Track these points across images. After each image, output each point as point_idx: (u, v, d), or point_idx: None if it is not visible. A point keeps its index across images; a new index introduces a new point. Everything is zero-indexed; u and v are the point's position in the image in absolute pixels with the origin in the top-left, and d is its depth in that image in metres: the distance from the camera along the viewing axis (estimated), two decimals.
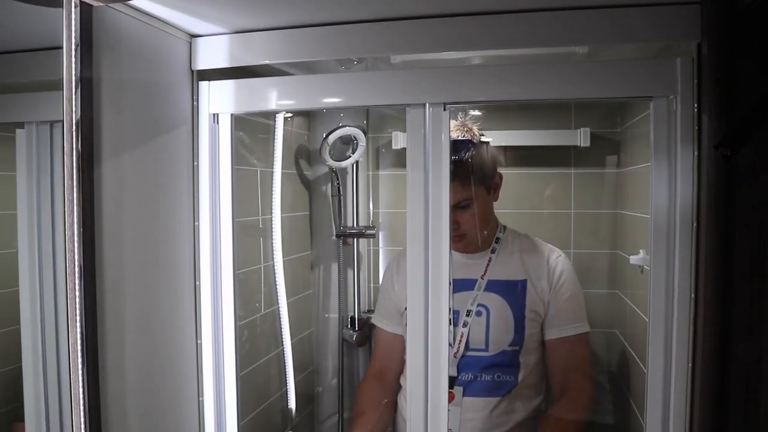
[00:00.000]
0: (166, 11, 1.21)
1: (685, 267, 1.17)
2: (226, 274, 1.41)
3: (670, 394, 1.19)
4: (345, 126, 2.06)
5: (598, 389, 1.93)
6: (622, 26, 1.16)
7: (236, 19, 1.27)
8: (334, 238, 2.21)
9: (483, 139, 1.69)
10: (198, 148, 1.38)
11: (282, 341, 1.94)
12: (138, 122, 1.23)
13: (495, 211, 1.76)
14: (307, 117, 2.24)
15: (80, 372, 1.04)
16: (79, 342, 1.03)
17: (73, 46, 1.02)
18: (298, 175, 2.18)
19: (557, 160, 2.16)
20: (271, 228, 1.89)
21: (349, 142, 2.12)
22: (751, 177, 1.05)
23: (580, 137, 2.06)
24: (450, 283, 1.31)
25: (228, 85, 1.37)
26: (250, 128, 1.82)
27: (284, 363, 1.95)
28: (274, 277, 1.91)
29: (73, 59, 1.02)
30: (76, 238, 1.02)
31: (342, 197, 2.18)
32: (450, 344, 1.61)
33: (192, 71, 1.37)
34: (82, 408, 1.04)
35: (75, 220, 1.02)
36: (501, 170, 1.74)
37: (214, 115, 1.38)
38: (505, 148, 2.12)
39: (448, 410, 1.31)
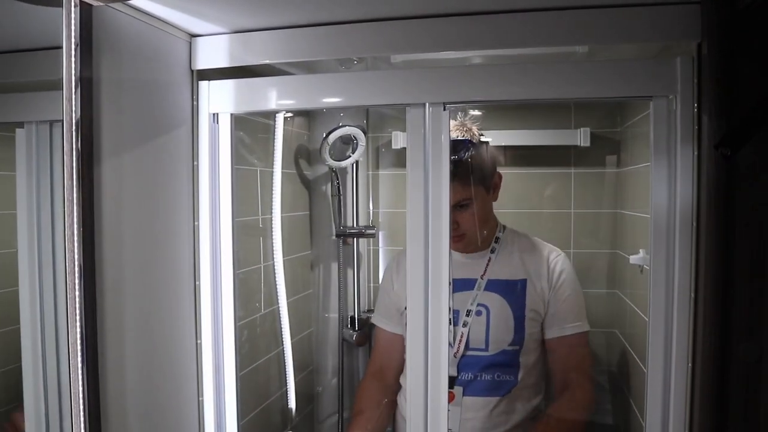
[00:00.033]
0: (166, 11, 1.21)
1: (685, 267, 1.17)
2: (225, 273, 1.41)
3: (670, 394, 1.19)
4: (345, 126, 2.06)
5: (598, 389, 1.93)
6: (622, 26, 1.16)
7: (236, 18, 1.27)
8: (333, 237, 2.21)
9: (482, 139, 1.69)
10: (198, 148, 1.38)
11: (282, 341, 1.94)
12: (138, 122, 1.23)
13: (495, 211, 1.76)
14: (307, 117, 2.24)
15: (80, 372, 1.03)
16: (78, 342, 1.03)
17: (73, 46, 1.02)
18: (298, 174, 2.18)
19: (557, 159, 2.16)
20: (271, 228, 1.89)
21: (349, 141, 2.12)
22: (751, 177, 1.05)
23: (580, 137, 2.06)
24: (450, 283, 1.31)
25: (228, 84, 1.37)
26: (250, 128, 1.82)
27: (284, 363, 1.95)
28: (274, 276, 1.91)
29: (73, 59, 1.02)
30: (75, 238, 1.02)
31: (342, 197, 2.18)
32: (450, 344, 1.61)
33: (192, 71, 1.37)
34: (81, 408, 1.04)
35: (75, 219, 1.02)
36: (501, 170, 1.74)
37: (213, 114, 1.38)
38: (505, 148, 2.12)
39: (448, 410, 1.31)
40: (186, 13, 1.23)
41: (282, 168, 1.89)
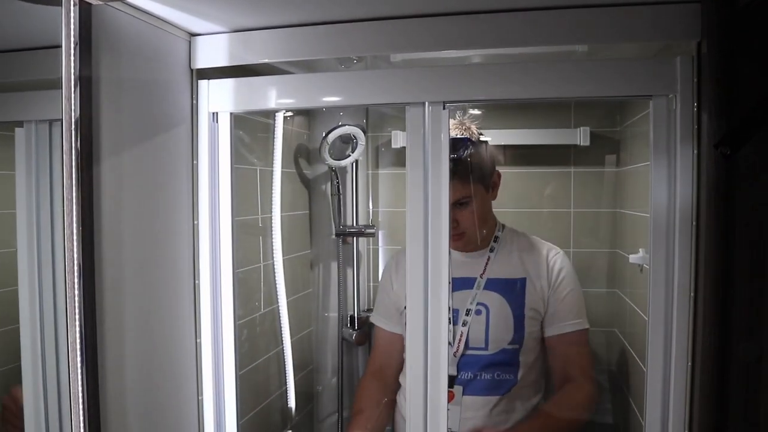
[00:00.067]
0: (166, 10, 1.21)
1: (685, 266, 1.17)
2: (225, 272, 1.41)
3: (670, 393, 1.19)
4: (345, 125, 2.06)
5: (598, 388, 1.93)
6: (622, 25, 1.16)
7: (236, 17, 1.27)
8: (333, 237, 2.21)
9: (482, 138, 1.69)
10: (197, 147, 1.38)
11: (282, 340, 1.94)
12: (137, 121, 1.23)
13: (495, 210, 1.76)
14: (307, 116, 2.24)
15: (79, 371, 1.03)
16: (78, 341, 1.03)
17: (72, 45, 1.02)
18: (297, 173, 2.18)
19: (557, 159, 2.16)
20: (271, 227, 1.89)
21: (348, 141, 2.12)
22: (751, 176, 1.05)
23: (580, 136, 2.06)
24: (449, 282, 1.31)
25: (227, 83, 1.37)
26: (250, 127, 1.82)
27: (284, 362, 1.95)
28: (274, 275, 1.91)
29: (72, 58, 1.02)
30: (75, 237, 1.02)
31: (341, 196, 2.18)
32: (449, 343, 1.61)
33: (191, 70, 1.37)
34: (81, 407, 1.04)
35: (74, 218, 1.02)
36: (500, 169, 1.74)
37: (213, 113, 1.38)
38: (505, 147, 2.12)
39: (448, 409, 1.31)
40: (185, 12, 1.22)
41: (282, 167, 1.89)
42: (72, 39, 1.02)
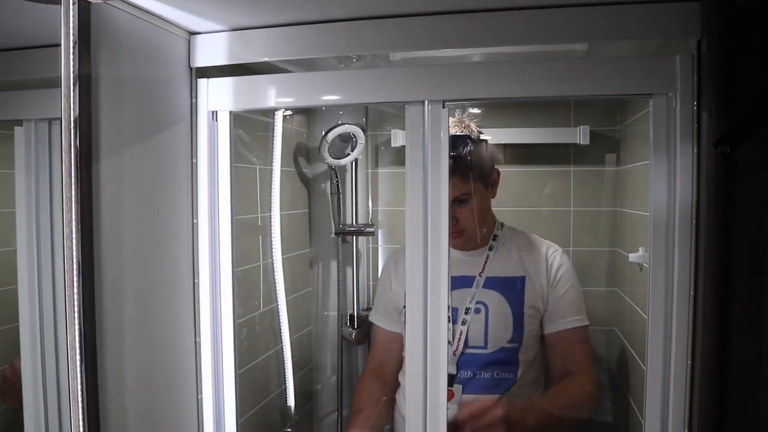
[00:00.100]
0: (165, 8, 1.21)
1: (685, 264, 1.17)
2: (224, 271, 1.41)
3: (670, 391, 1.19)
4: (344, 124, 2.06)
5: (599, 385, 1.93)
6: (621, 23, 1.16)
7: (235, 16, 1.27)
8: (333, 235, 2.21)
9: (481, 137, 1.69)
10: (197, 146, 1.38)
11: (281, 339, 1.94)
12: (137, 119, 1.23)
13: (495, 209, 1.77)
14: (307, 115, 2.24)
15: (79, 370, 1.03)
16: (77, 340, 1.03)
17: (72, 43, 1.02)
18: (297, 172, 2.18)
19: (556, 157, 2.16)
20: (270, 225, 1.89)
21: (348, 139, 2.12)
22: (750, 174, 1.05)
23: (580, 135, 2.06)
24: (448, 281, 1.31)
25: (227, 82, 1.37)
26: (249, 126, 1.82)
27: (283, 361, 1.95)
28: (273, 274, 1.91)
29: (72, 56, 1.02)
30: (74, 236, 1.02)
31: (341, 195, 2.18)
32: (449, 342, 1.61)
33: (191, 68, 1.37)
34: (80, 406, 1.04)
35: (73, 217, 1.02)
36: (500, 168, 1.74)
37: (212, 112, 1.38)
38: (505, 146, 2.12)
39: (447, 408, 1.31)
40: (185, 11, 1.22)
41: (281, 166, 1.89)
42: (71, 37, 1.02)
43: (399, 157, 2.24)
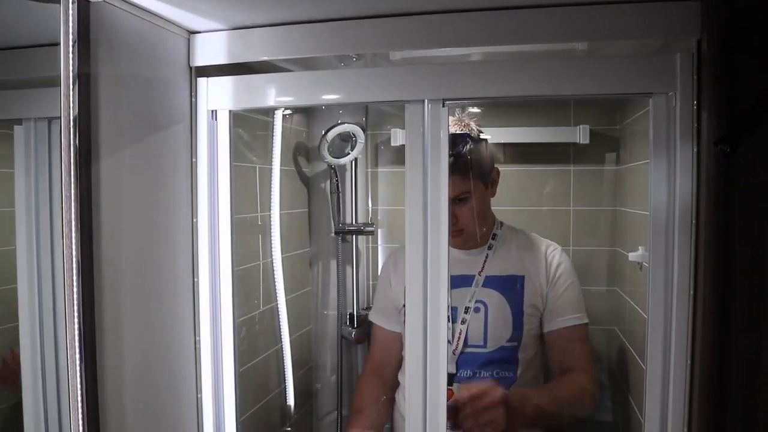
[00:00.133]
0: (164, 7, 1.20)
1: (684, 264, 1.17)
2: (224, 270, 1.40)
3: (669, 390, 1.19)
4: (344, 123, 2.06)
5: (599, 384, 1.93)
6: (621, 22, 1.16)
7: (234, 15, 1.27)
8: (332, 235, 2.21)
9: (481, 136, 1.69)
10: (196, 145, 1.38)
11: (281, 338, 1.94)
12: (136, 118, 1.22)
13: (494, 208, 1.77)
14: (306, 114, 2.24)
15: (78, 369, 1.03)
16: (76, 339, 1.03)
17: (71, 42, 1.02)
18: (296, 172, 2.18)
19: (556, 157, 2.16)
20: (270, 225, 1.89)
21: (348, 139, 2.12)
22: (750, 173, 1.05)
23: (580, 134, 2.06)
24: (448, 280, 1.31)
25: (226, 81, 1.37)
26: (249, 125, 1.81)
27: (283, 360, 1.95)
28: (273, 273, 1.91)
29: (71, 55, 1.02)
30: (73, 235, 1.02)
31: (341, 194, 2.18)
32: (448, 341, 1.61)
33: (190, 67, 1.37)
34: (80, 405, 1.04)
35: (72, 216, 1.02)
36: (500, 167, 1.74)
37: (212, 111, 1.38)
38: (504, 145, 2.13)
39: (447, 405, 1.31)
40: (184, 10, 1.22)
41: (281, 165, 1.89)
42: (70, 36, 1.02)
43: (399, 156, 2.24)
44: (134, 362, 1.21)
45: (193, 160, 1.38)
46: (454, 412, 1.41)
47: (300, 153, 2.19)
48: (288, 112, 2.00)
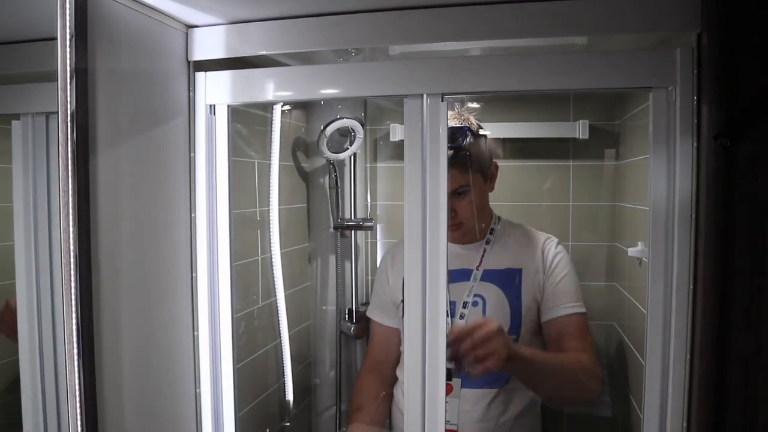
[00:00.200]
0: (162, 1, 1.20)
1: (684, 259, 1.17)
2: (222, 265, 1.40)
3: (668, 386, 1.19)
4: (343, 118, 2.06)
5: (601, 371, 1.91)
6: (621, 16, 1.16)
7: (232, 9, 1.26)
8: (331, 230, 2.21)
9: (481, 132, 1.69)
10: (195, 140, 1.38)
11: (279, 333, 1.94)
12: (134, 113, 1.22)
13: (493, 203, 1.77)
14: (305, 109, 2.23)
15: (76, 364, 1.03)
16: (75, 334, 1.03)
17: (68, 37, 1.01)
18: (295, 167, 2.18)
19: (556, 152, 2.16)
20: (269, 220, 1.89)
21: (346, 134, 2.11)
22: (750, 168, 1.05)
23: (579, 129, 2.06)
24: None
25: (225, 76, 1.36)
26: (248, 120, 1.81)
27: (282, 355, 1.95)
28: (272, 269, 1.91)
29: (68, 50, 1.02)
30: (71, 229, 1.02)
31: (340, 189, 2.18)
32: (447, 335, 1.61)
33: (188, 62, 1.36)
34: (78, 399, 1.04)
35: (70, 211, 1.02)
36: (499, 162, 1.74)
37: (210, 106, 1.38)
38: (504, 140, 2.12)
39: (446, 402, 1.31)
40: (182, 4, 1.22)
41: (279, 160, 1.89)
42: (68, 31, 1.01)
43: (398, 151, 2.24)
44: (132, 357, 1.21)
45: (192, 155, 1.37)
46: (454, 348, 1.39)
47: (299, 148, 2.19)
48: (287, 107, 1.99)
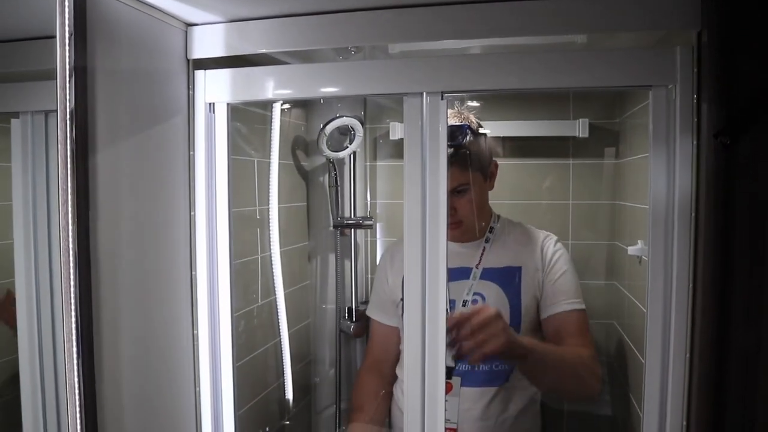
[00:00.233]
0: None
1: (684, 257, 1.17)
2: (222, 264, 1.40)
3: (668, 384, 1.19)
4: (342, 116, 2.06)
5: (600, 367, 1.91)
6: (620, 14, 1.15)
7: (232, 7, 1.26)
8: (331, 228, 2.21)
9: (480, 130, 1.69)
10: (194, 138, 1.37)
11: (279, 332, 1.94)
12: (133, 111, 1.22)
13: (493, 202, 1.76)
14: (305, 107, 2.23)
15: (75, 362, 1.03)
16: (74, 332, 1.03)
17: (67, 35, 1.01)
18: (295, 165, 2.18)
19: (556, 150, 2.16)
20: (268, 218, 1.89)
21: (346, 132, 2.11)
22: (750, 165, 1.05)
23: (579, 128, 2.06)
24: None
25: (224, 74, 1.36)
26: (247, 119, 1.81)
27: (281, 353, 1.95)
28: (271, 267, 1.91)
29: (67, 48, 1.01)
30: (70, 228, 1.02)
31: (339, 188, 2.18)
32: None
33: (188, 60, 1.36)
34: (77, 398, 1.04)
35: (69, 209, 1.02)
36: (499, 161, 1.74)
37: (210, 104, 1.38)
38: (503, 139, 2.12)
39: (446, 401, 1.31)
40: (182, 2, 1.21)
41: (279, 159, 1.89)
42: (66, 29, 1.01)
43: (398, 149, 2.24)
44: (132, 356, 1.21)
45: (191, 153, 1.37)
46: (454, 334, 1.38)
47: (298, 147, 2.19)
48: (286, 105, 1.99)
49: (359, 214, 2.22)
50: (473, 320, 1.38)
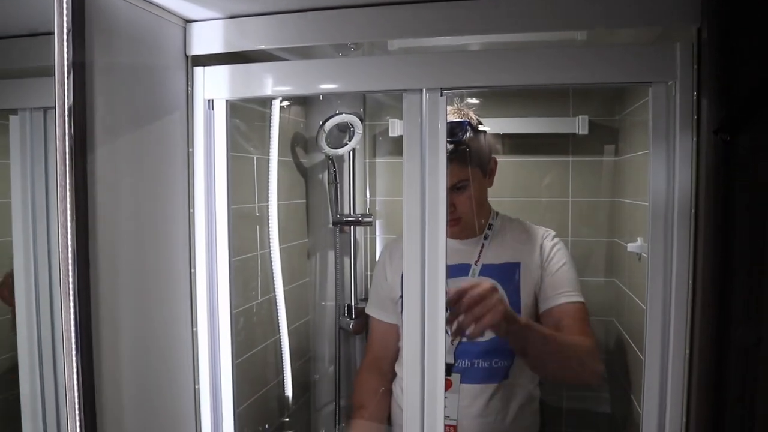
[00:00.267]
0: None
1: (683, 254, 1.16)
2: (221, 261, 1.40)
3: (668, 381, 1.19)
4: (342, 113, 2.06)
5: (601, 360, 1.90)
6: (620, 10, 1.15)
7: (231, 3, 1.26)
8: (330, 226, 2.21)
9: (480, 127, 1.69)
10: (193, 135, 1.37)
11: (278, 329, 1.94)
12: (132, 108, 1.22)
13: (492, 199, 1.76)
14: (304, 104, 2.23)
15: (74, 360, 1.03)
16: (73, 330, 1.03)
17: (65, 31, 1.01)
18: (294, 162, 2.17)
19: (555, 147, 2.16)
20: (268, 215, 1.89)
21: (345, 129, 2.11)
22: (750, 162, 1.04)
23: (579, 125, 2.06)
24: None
25: (223, 70, 1.36)
26: (246, 116, 1.81)
27: (281, 351, 1.95)
28: (271, 264, 1.90)
29: (65, 44, 1.01)
30: (69, 224, 1.02)
31: (339, 185, 2.18)
32: (446, 331, 1.60)
33: (186, 56, 1.36)
34: (76, 396, 1.04)
35: (68, 206, 1.01)
36: (498, 158, 1.74)
37: (209, 101, 1.37)
38: (503, 136, 2.12)
39: (446, 397, 1.31)
40: None
41: (278, 156, 1.89)
42: (65, 25, 1.01)
43: (397, 146, 2.24)
44: (131, 353, 1.21)
45: (190, 150, 1.37)
46: (452, 308, 1.38)
47: (298, 144, 2.18)
48: (285, 102, 1.99)
49: (358, 211, 2.22)
50: (471, 293, 1.38)
